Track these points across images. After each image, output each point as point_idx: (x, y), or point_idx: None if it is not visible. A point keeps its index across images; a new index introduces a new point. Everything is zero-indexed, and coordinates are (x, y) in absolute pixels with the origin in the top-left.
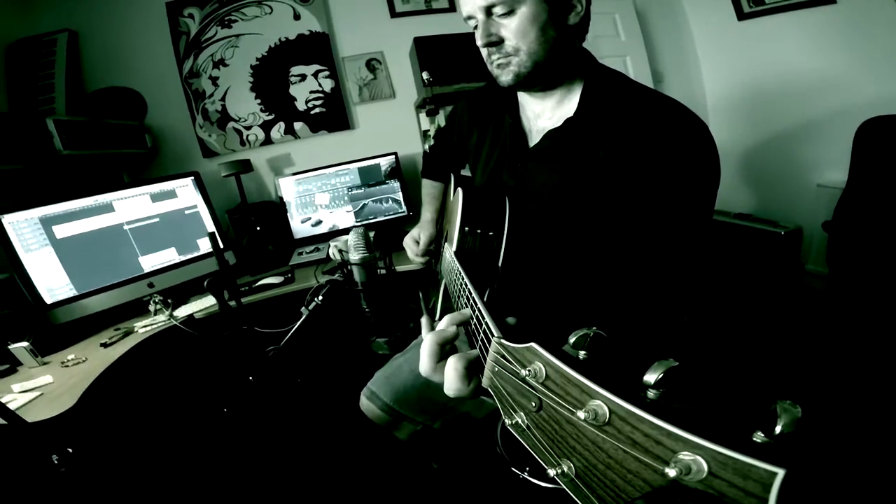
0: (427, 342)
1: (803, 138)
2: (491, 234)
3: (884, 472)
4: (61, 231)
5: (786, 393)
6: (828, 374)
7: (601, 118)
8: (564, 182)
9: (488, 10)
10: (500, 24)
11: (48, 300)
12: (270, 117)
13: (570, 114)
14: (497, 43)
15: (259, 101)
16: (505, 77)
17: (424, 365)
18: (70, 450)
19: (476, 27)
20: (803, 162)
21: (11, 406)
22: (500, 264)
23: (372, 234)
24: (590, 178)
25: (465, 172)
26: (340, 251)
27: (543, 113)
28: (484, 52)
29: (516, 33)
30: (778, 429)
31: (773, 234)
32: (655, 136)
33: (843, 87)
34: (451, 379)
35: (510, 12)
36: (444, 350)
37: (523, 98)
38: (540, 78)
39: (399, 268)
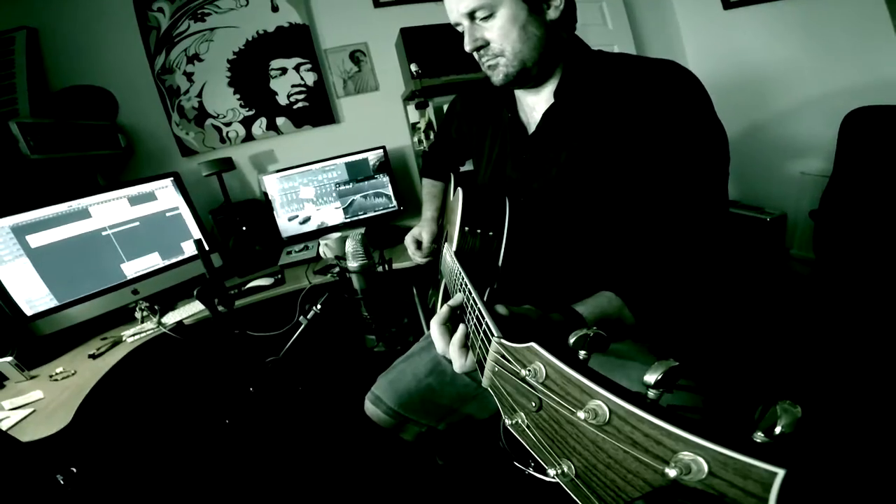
0: (433, 328)
1: (787, 127)
2: (491, 234)
3: (883, 471)
4: (36, 240)
5: (784, 391)
6: (817, 360)
7: (592, 85)
8: (572, 157)
9: (471, 16)
10: (484, 28)
11: (28, 312)
12: (251, 113)
13: None
14: (483, 46)
15: (238, 96)
16: (496, 77)
17: (438, 348)
18: (74, 469)
19: (464, 33)
20: (787, 150)
21: (4, 425)
22: (500, 264)
23: (363, 230)
24: (597, 146)
25: (466, 168)
26: (336, 256)
27: (538, 104)
28: (475, 55)
29: (499, 35)
30: (778, 429)
31: (760, 220)
32: (652, 90)
33: (826, 78)
34: (440, 344)
35: (491, 15)
36: (449, 329)
37: (519, 92)
38: (530, 75)
39: (396, 265)
